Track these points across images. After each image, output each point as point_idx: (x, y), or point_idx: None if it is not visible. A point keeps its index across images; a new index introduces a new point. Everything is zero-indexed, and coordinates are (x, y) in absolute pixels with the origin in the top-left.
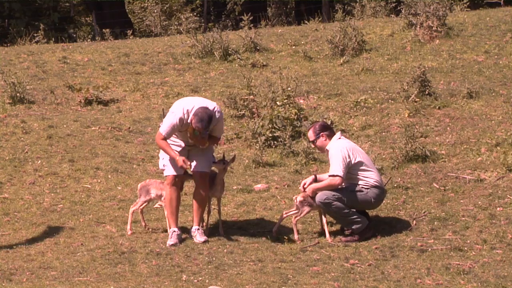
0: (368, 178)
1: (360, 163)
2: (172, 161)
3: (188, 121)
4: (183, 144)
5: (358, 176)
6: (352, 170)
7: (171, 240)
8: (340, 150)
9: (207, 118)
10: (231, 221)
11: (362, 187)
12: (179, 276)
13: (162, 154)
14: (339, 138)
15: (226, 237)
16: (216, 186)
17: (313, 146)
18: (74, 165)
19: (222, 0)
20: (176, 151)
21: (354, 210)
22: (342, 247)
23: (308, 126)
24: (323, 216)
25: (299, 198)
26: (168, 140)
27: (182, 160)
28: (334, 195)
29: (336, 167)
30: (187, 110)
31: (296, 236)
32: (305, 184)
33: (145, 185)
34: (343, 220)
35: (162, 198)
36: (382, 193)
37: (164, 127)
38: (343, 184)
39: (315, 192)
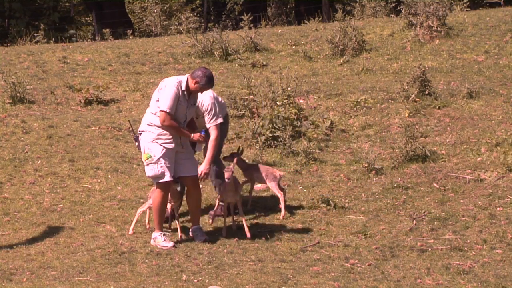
0: None
1: None
2: (169, 167)
3: (183, 88)
4: (172, 146)
5: None
6: None
7: (167, 243)
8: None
9: (210, 74)
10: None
11: None
12: (179, 276)
13: (153, 158)
14: None
15: (226, 237)
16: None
17: None
18: (74, 165)
19: (222, 0)
20: (164, 154)
21: None
22: (342, 247)
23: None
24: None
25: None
26: (160, 140)
27: (198, 135)
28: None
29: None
30: (179, 81)
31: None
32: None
33: None
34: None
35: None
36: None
37: (166, 102)
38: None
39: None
